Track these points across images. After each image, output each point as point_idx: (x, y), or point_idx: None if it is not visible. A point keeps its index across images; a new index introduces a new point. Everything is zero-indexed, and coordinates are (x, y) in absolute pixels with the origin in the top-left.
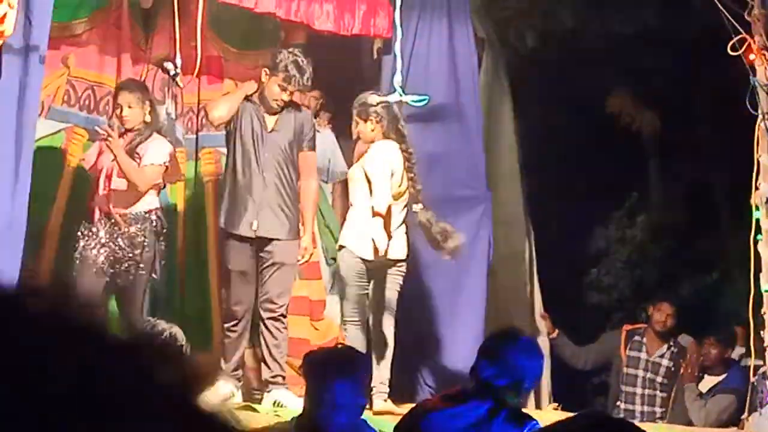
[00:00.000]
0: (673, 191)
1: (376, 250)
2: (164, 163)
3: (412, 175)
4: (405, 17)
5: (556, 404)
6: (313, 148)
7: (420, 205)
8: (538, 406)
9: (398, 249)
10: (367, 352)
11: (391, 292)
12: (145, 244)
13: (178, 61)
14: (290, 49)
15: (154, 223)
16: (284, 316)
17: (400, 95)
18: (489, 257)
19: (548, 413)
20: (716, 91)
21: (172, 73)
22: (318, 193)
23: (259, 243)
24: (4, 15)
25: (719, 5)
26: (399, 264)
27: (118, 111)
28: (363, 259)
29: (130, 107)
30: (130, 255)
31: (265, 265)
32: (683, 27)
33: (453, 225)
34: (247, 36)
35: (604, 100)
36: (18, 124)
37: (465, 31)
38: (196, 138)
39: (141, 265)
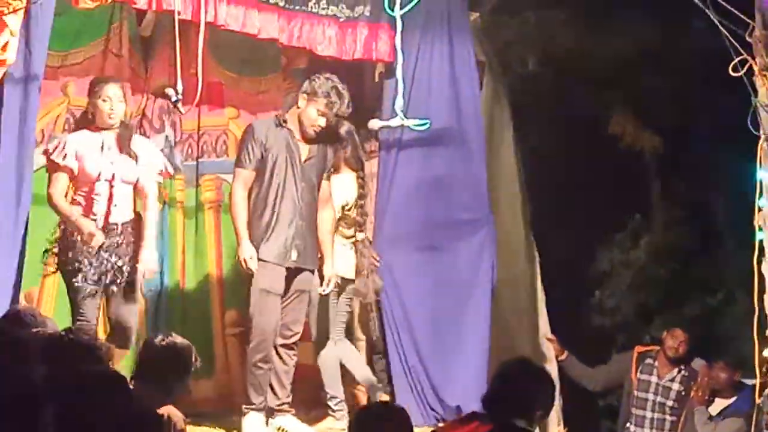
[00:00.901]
0: (675, 212)
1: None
2: None
3: (363, 203)
4: (406, 41)
5: (564, 428)
6: (329, 177)
7: (362, 234)
8: (544, 429)
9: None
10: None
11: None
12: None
13: (180, 87)
14: (327, 75)
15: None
16: (296, 344)
17: (402, 119)
18: (492, 281)
19: None
20: (718, 112)
21: (173, 99)
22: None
23: (293, 272)
24: (6, 43)
25: (720, 26)
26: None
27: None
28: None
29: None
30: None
31: (288, 294)
32: (684, 48)
33: (456, 249)
34: (248, 62)
35: (606, 122)
36: (19, 152)
37: (466, 54)
38: (197, 164)
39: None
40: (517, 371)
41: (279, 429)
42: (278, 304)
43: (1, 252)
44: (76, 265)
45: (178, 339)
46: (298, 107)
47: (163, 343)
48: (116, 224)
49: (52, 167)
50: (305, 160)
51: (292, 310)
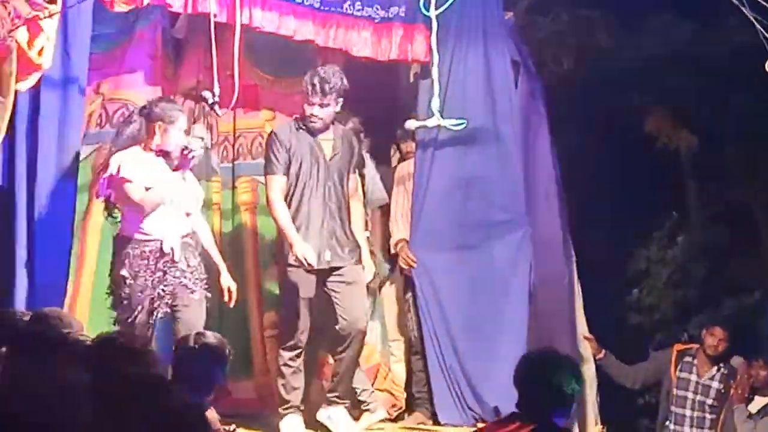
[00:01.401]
0: (712, 211)
1: None
2: None
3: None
4: (441, 42)
5: (602, 426)
6: (355, 171)
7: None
8: (582, 427)
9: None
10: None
11: None
12: None
13: (216, 90)
14: (318, 68)
15: None
16: (363, 335)
17: (439, 119)
18: (530, 281)
19: None
20: (754, 109)
21: (210, 101)
22: (364, 218)
23: (327, 272)
24: (42, 48)
25: (756, 24)
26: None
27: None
28: None
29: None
30: None
31: (337, 288)
32: (720, 46)
33: (493, 249)
34: (284, 64)
35: (642, 121)
36: (59, 155)
37: (501, 54)
38: (232, 167)
39: None
40: (544, 364)
41: (328, 418)
42: (308, 307)
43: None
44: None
45: (210, 337)
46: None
47: (196, 343)
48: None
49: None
50: (330, 158)
51: (345, 301)
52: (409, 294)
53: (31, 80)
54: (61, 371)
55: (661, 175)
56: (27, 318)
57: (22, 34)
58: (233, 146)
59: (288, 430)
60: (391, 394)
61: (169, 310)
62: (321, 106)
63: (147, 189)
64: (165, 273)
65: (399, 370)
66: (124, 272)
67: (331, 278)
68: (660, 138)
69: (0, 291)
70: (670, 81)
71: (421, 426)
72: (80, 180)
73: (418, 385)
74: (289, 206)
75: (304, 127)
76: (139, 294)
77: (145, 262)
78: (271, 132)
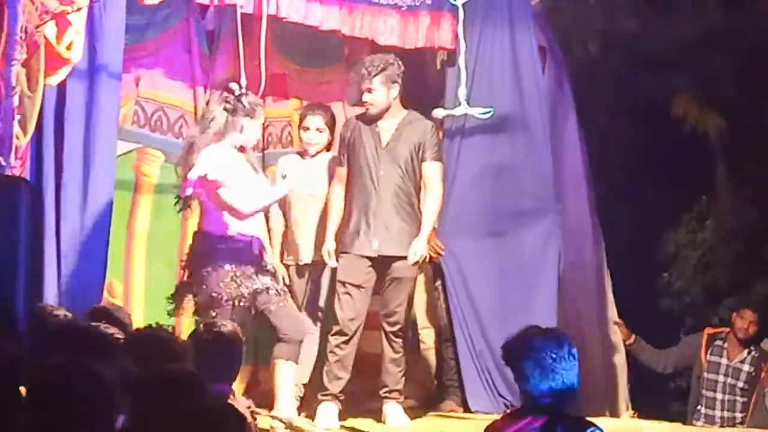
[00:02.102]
0: (741, 193)
1: None
2: None
3: None
4: (468, 29)
5: (633, 411)
6: (437, 158)
7: None
8: (613, 413)
9: None
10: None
11: None
12: None
13: (243, 81)
14: (369, 57)
15: None
16: (402, 330)
17: (466, 108)
18: (559, 267)
19: (624, 421)
20: None
21: (237, 93)
22: (438, 206)
23: (380, 261)
24: (71, 42)
25: None
26: None
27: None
28: None
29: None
30: None
31: (385, 281)
32: (748, 28)
33: (522, 236)
34: (311, 53)
35: (669, 104)
36: (86, 146)
37: (528, 40)
38: (263, 156)
39: None
40: (548, 348)
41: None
42: (361, 296)
43: (76, 243)
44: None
45: (224, 325)
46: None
47: (210, 331)
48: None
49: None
50: (386, 146)
51: (390, 299)
52: (439, 282)
53: (61, 75)
54: (95, 366)
55: (690, 158)
56: (58, 313)
57: (50, 29)
58: (263, 135)
59: (321, 418)
60: (422, 382)
61: (252, 310)
62: (369, 91)
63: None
64: (254, 271)
65: (430, 358)
66: (209, 268)
67: (383, 270)
68: (688, 120)
69: (30, 288)
70: (698, 63)
71: (452, 413)
72: (120, 177)
73: (449, 373)
74: (348, 196)
75: (365, 118)
76: (223, 291)
77: (233, 259)
78: (345, 122)
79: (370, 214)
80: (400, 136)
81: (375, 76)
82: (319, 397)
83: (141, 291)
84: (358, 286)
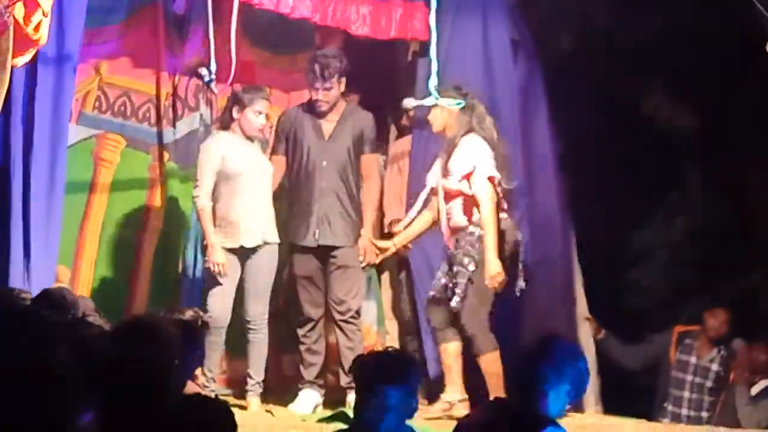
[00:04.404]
0: (712, 192)
1: None
2: None
3: None
4: (440, 19)
5: (603, 407)
6: (375, 150)
7: None
8: (578, 409)
9: None
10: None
11: None
12: None
13: (213, 67)
14: (318, 54)
15: None
16: (355, 318)
17: (436, 98)
18: (526, 260)
19: (589, 417)
20: (755, 89)
21: (206, 79)
22: (378, 196)
23: (323, 251)
24: (39, 23)
25: (756, 3)
26: None
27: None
28: None
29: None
30: None
31: (330, 270)
32: (720, 25)
33: None
34: (282, 41)
35: (641, 101)
36: (52, 132)
37: (500, 32)
38: None
39: None
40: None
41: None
42: (309, 285)
43: (36, 233)
44: None
45: (185, 313)
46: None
47: (171, 319)
48: None
49: None
50: (328, 138)
51: (337, 286)
52: (403, 274)
53: (28, 56)
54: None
55: (660, 155)
56: (25, 296)
57: (18, 10)
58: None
59: (301, 404)
60: None
61: None
62: (324, 90)
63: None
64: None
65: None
66: None
67: (327, 260)
68: (660, 117)
69: None
70: (670, 59)
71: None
72: (79, 162)
73: None
74: (291, 187)
75: (309, 111)
76: None
77: None
78: (280, 115)
79: (313, 206)
80: (342, 127)
81: (334, 75)
82: (299, 385)
83: (89, 276)
84: (307, 278)
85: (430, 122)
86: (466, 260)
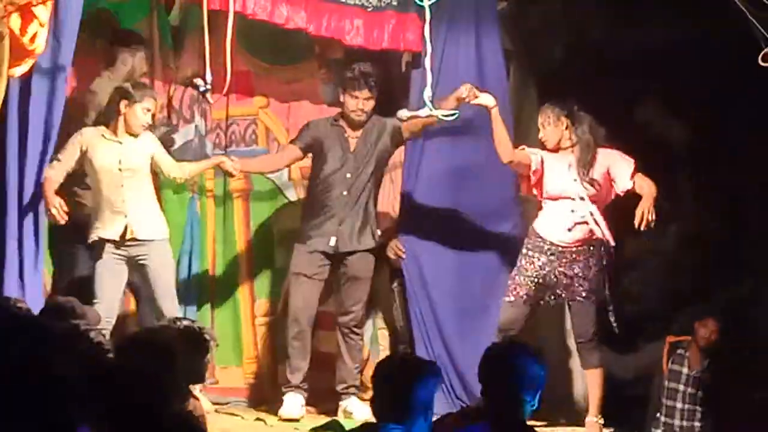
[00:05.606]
0: (704, 201)
1: None
2: None
3: None
4: (433, 31)
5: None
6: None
7: None
8: (570, 419)
9: None
10: None
11: None
12: None
13: (208, 77)
14: (356, 64)
15: None
16: (358, 327)
17: (431, 109)
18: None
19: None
20: (748, 101)
21: (202, 89)
22: None
23: (337, 256)
24: (35, 34)
25: (749, 15)
26: None
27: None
28: None
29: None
30: None
31: (342, 282)
32: (714, 37)
33: (483, 238)
34: (280, 51)
35: (633, 110)
36: (44, 142)
37: (493, 43)
38: (225, 154)
39: None
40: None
41: (345, 412)
42: (312, 287)
43: (28, 241)
44: None
45: (190, 323)
46: (341, 101)
47: (175, 329)
48: None
49: None
50: (353, 150)
51: (347, 297)
52: (396, 283)
53: (25, 66)
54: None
55: (653, 165)
56: (21, 306)
57: (14, 21)
58: (226, 133)
59: (291, 407)
60: None
61: None
62: (365, 99)
63: None
64: None
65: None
66: None
67: (340, 267)
68: (652, 128)
69: None
70: (663, 71)
71: None
72: None
73: None
74: (311, 196)
75: (340, 123)
76: None
77: None
78: (307, 123)
79: (333, 214)
80: (366, 139)
81: (375, 86)
82: (283, 389)
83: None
84: (310, 277)
85: (542, 141)
86: None
